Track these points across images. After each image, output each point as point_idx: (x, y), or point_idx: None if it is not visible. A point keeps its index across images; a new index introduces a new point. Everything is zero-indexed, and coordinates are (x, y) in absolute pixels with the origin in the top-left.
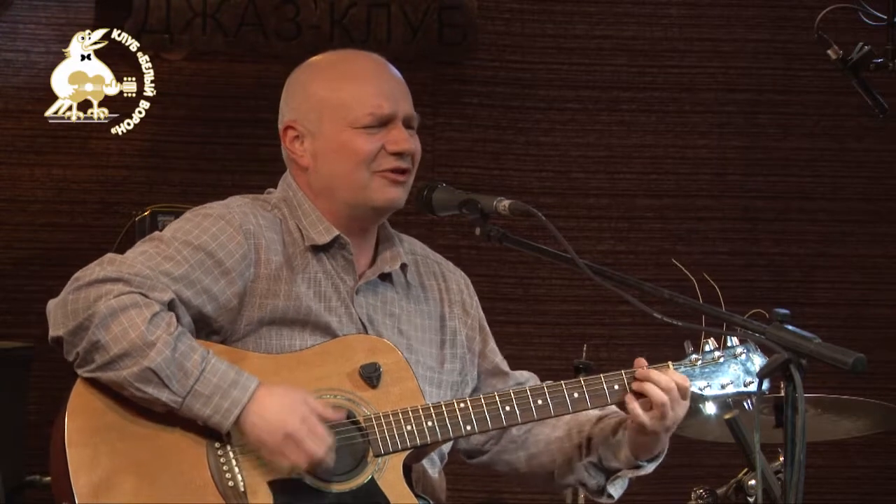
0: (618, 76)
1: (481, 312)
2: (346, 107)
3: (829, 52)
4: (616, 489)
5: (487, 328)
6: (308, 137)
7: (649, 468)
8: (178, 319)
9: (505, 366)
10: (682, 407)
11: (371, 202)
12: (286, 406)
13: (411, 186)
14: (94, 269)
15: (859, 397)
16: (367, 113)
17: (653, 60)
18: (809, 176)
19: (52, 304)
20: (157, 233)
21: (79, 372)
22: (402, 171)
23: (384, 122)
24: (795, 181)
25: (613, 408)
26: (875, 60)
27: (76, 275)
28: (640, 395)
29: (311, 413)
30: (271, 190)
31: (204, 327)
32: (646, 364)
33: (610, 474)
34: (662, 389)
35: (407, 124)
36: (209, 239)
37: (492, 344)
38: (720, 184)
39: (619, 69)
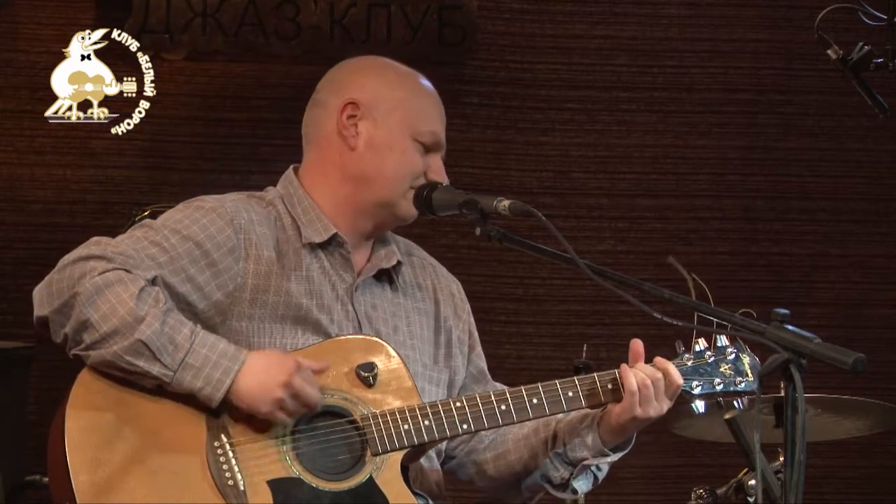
0: (618, 76)
1: (472, 318)
2: (418, 115)
3: (829, 52)
4: (581, 484)
5: (476, 334)
6: (369, 122)
7: (615, 457)
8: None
9: (487, 373)
10: (665, 403)
11: (397, 209)
12: (275, 362)
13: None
14: (77, 250)
15: (859, 397)
16: (429, 130)
17: (653, 60)
18: (809, 176)
19: (37, 288)
20: (148, 220)
21: (69, 353)
22: None
23: (432, 148)
24: (795, 181)
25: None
26: (875, 60)
27: (62, 259)
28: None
29: (301, 365)
30: (269, 188)
31: (193, 321)
32: (641, 348)
33: (575, 466)
34: (644, 378)
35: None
36: (198, 230)
37: (478, 349)
38: (720, 184)
39: (619, 69)
